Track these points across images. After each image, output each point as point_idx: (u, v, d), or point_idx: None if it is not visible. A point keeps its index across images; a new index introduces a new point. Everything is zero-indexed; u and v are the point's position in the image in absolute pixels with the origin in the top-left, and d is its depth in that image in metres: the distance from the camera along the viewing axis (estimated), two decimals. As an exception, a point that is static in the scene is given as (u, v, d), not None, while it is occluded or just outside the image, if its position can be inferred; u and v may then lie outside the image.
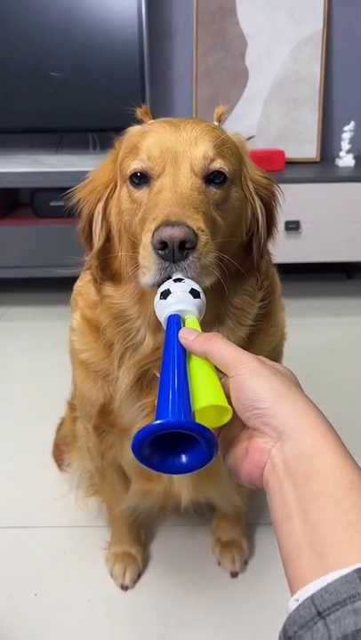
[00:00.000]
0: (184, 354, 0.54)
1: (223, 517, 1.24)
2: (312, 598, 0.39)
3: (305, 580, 0.41)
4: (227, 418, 0.50)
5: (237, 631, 1.08)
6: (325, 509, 0.43)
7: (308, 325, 2.12)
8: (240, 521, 1.25)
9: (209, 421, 0.50)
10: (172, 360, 0.53)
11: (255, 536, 1.29)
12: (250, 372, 0.50)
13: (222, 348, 0.52)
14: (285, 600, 0.43)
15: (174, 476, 0.94)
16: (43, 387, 1.75)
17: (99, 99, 2.35)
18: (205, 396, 0.50)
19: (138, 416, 0.87)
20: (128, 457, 0.99)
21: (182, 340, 0.55)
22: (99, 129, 2.42)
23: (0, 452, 1.55)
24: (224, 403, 0.49)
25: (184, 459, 0.49)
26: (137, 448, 0.46)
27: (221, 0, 2.41)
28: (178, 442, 0.48)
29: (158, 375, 0.79)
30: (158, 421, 0.45)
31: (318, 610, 0.38)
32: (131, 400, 0.86)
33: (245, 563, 1.22)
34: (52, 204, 2.24)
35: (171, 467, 0.49)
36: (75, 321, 0.93)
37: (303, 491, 0.44)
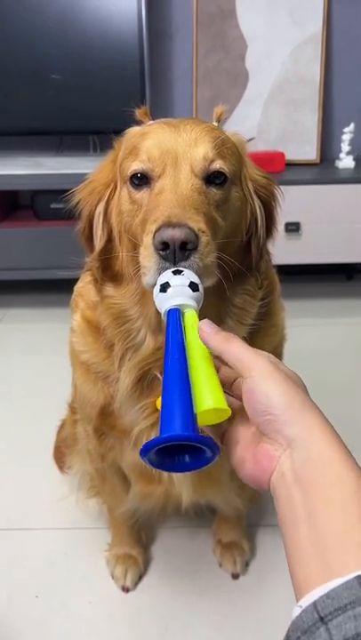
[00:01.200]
0: (185, 349, 0.55)
1: (224, 519, 1.24)
2: (314, 604, 0.40)
3: (309, 586, 0.41)
4: (226, 417, 0.53)
5: (238, 632, 1.08)
6: (331, 516, 0.43)
7: (308, 326, 2.12)
8: (241, 523, 1.25)
9: (209, 419, 0.53)
10: (174, 358, 0.54)
11: (256, 537, 1.28)
12: (263, 375, 0.51)
13: (239, 349, 0.53)
14: (287, 601, 0.43)
15: (175, 478, 0.94)
16: (43, 388, 1.75)
17: (99, 100, 2.36)
18: (207, 398, 0.52)
19: (138, 417, 0.87)
20: (128, 459, 0.99)
21: (200, 333, 0.56)
22: (99, 131, 2.42)
23: (1, 454, 1.55)
24: (224, 405, 0.51)
25: (188, 458, 0.51)
26: (145, 456, 0.49)
27: (221, 2, 2.41)
28: (182, 444, 0.50)
29: (159, 376, 0.80)
30: (165, 435, 0.47)
31: (320, 615, 0.39)
32: (131, 401, 0.85)
33: (246, 564, 1.22)
34: (53, 206, 2.24)
35: (174, 466, 0.52)
36: (75, 322, 0.93)
37: (310, 497, 0.45)
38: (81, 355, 0.90)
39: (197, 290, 0.61)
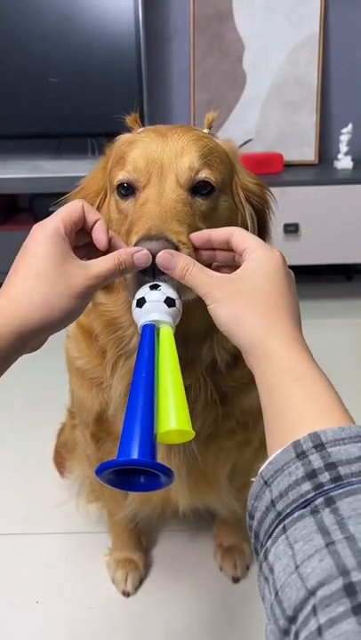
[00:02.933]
0: (153, 367, 0.56)
1: (224, 523, 1.24)
2: (260, 473, 0.47)
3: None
4: (189, 438, 0.54)
5: (239, 636, 1.08)
6: (277, 388, 0.51)
7: (307, 327, 2.09)
8: (241, 526, 1.25)
9: (172, 439, 0.54)
10: (141, 377, 0.55)
11: (256, 541, 1.28)
12: (218, 303, 0.58)
13: (197, 282, 0.59)
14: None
15: (170, 484, 0.94)
16: (43, 393, 1.75)
17: (97, 103, 2.36)
18: (171, 419, 0.53)
19: None
20: None
21: (198, 239, 0.64)
22: (97, 133, 2.41)
23: (0, 459, 1.55)
24: (188, 427, 0.52)
25: (143, 480, 0.53)
26: (100, 476, 0.51)
27: (218, 4, 2.41)
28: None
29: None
30: (123, 459, 0.49)
31: (265, 480, 0.46)
32: (125, 408, 0.85)
33: (247, 568, 1.22)
34: (52, 209, 2.23)
35: (130, 485, 0.53)
36: (70, 328, 0.93)
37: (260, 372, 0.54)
38: (76, 361, 0.90)
39: (174, 305, 0.61)
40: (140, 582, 1.19)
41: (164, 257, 0.60)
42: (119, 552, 1.21)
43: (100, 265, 0.60)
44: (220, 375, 0.83)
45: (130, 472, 0.52)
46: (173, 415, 0.53)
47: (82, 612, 1.13)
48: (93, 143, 2.49)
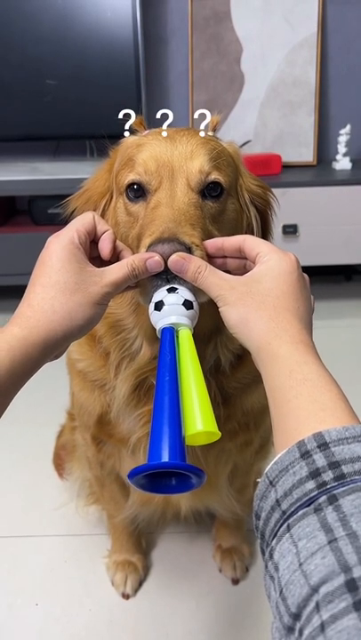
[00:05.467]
0: (176, 370, 0.57)
1: (223, 524, 1.24)
2: (266, 473, 0.47)
3: None
4: (215, 438, 0.54)
5: (239, 638, 1.08)
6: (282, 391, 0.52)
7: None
8: (241, 527, 1.25)
9: (198, 441, 0.54)
10: (164, 380, 0.55)
11: (256, 542, 1.28)
12: (228, 306, 0.59)
13: (209, 284, 0.60)
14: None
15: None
16: (43, 394, 1.74)
17: (95, 105, 2.35)
18: (197, 421, 0.53)
19: (135, 425, 0.87)
20: (126, 467, 0.99)
21: (211, 246, 0.65)
22: (95, 135, 2.42)
23: (0, 461, 1.55)
24: (214, 428, 0.53)
25: (174, 482, 0.53)
26: (133, 480, 0.51)
27: (216, 5, 2.42)
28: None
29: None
30: (154, 462, 0.49)
31: (270, 480, 0.46)
32: (128, 409, 0.85)
33: (247, 569, 1.22)
34: (50, 211, 2.24)
35: (161, 488, 0.53)
36: None
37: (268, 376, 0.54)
38: (77, 363, 0.90)
39: (192, 308, 0.61)
40: (140, 584, 1.19)
41: (176, 261, 0.61)
42: (118, 554, 1.21)
43: (115, 272, 0.61)
44: (224, 376, 0.84)
45: (161, 475, 0.52)
46: (199, 417, 0.53)
47: (81, 614, 1.13)
48: (92, 145, 2.49)
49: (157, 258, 0.61)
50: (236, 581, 1.19)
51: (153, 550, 1.27)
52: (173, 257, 0.60)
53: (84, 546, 1.28)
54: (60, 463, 1.42)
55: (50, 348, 0.57)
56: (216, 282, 0.60)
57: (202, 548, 1.27)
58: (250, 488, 1.15)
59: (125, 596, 1.16)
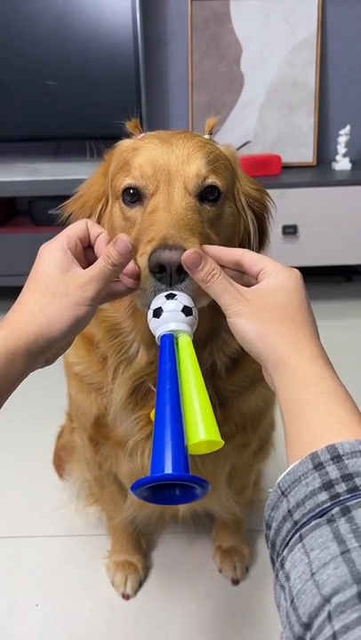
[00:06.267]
0: (177, 378, 0.56)
1: (223, 525, 1.24)
2: (278, 484, 0.47)
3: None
4: (218, 447, 0.54)
5: (239, 638, 1.08)
6: (297, 402, 0.52)
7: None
8: (240, 528, 1.25)
9: (201, 450, 0.54)
10: (165, 389, 0.55)
11: (257, 542, 1.28)
12: (243, 318, 0.58)
13: (222, 291, 0.59)
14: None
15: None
16: (42, 396, 1.74)
17: (95, 105, 2.36)
18: (200, 430, 0.52)
19: (133, 429, 0.87)
20: (123, 469, 0.99)
21: (213, 252, 0.63)
22: (96, 136, 2.41)
23: (0, 462, 1.55)
24: (216, 437, 0.52)
25: (178, 492, 0.52)
26: (136, 492, 0.50)
27: (215, 6, 2.42)
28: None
29: (153, 388, 0.79)
30: (157, 474, 0.49)
31: (282, 490, 0.47)
32: (126, 413, 0.85)
33: (247, 570, 1.22)
34: (50, 212, 2.24)
35: (165, 499, 0.53)
36: None
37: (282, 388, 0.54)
38: (74, 366, 0.90)
39: (191, 314, 0.61)
40: (140, 585, 1.19)
41: (192, 256, 0.59)
42: (118, 555, 1.21)
43: (93, 268, 0.61)
44: (220, 379, 0.84)
45: (164, 486, 0.52)
46: (202, 426, 0.52)
47: (81, 614, 1.13)
48: (92, 146, 2.49)
49: (121, 237, 0.61)
50: (236, 582, 1.19)
51: (153, 551, 1.27)
52: (190, 252, 0.59)
53: (83, 546, 1.28)
54: (59, 464, 1.42)
55: (34, 353, 0.56)
56: (230, 290, 0.59)
57: (202, 548, 1.27)
58: (249, 489, 1.15)
59: (125, 597, 1.16)
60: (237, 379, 0.85)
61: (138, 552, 1.22)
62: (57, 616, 1.13)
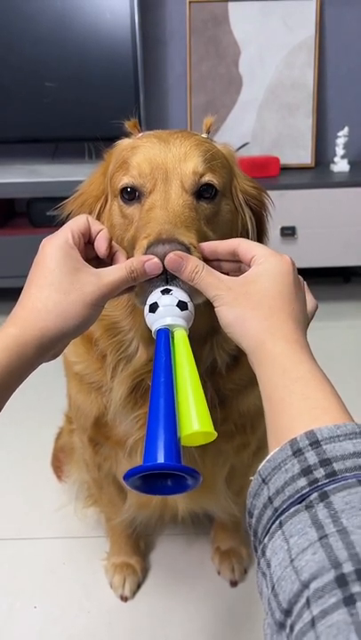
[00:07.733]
0: (171, 371, 0.57)
1: (222, 526, 1.24)
2: (259, 472, 0.47)
3: None
4: (212, 438, 0.54)
5: (238, 640, 1.08)
6: (277, 389, 0.52)
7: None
8: (239, 530, 1.25)
9: (195, 441, 0.54)
10: (160, 382, 0.55)
11: (255, 544, 1.28)
12: (225, 306, 0.59)
13: (206, 284, 0.60)
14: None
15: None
16: (41, 397, 1.74)
17: (94, 107, 2.36)
18: (193, 421, 0.53)
19: (132, 428, 0.87)
20: (122, 470, 0.99)
21: (207, 249, 0.65)
22: (94, 137, 2.41)
23: (-1, 463, 1.55)
24: (210, 428, 0.53)
25: (170, 483, 0.53)
26: (129, 481, 0.51)
27: (214, 8, 2.42)
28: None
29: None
30: (149, 463, 0.49)
31: (263, 478, 0.47)
32: (125, 412, 0.85)
33: (245, 571, 1.22)
34: (49, 213, 2.23)
35: (158, 489, 0.53)
36: None
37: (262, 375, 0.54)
38: (74, 365, 0.90)
39: (186, 308, 0.61)
40: (138, 586, 1.19)
41: (173, 259, 0.60)
42: (117, 556, 1.21)
43: (113, 274, 0.61)
44: (220, 377, 0.84)
45: (157, 477, 0.52)
46: (195, 417, 0.53)
47: (80, 616, 1.13)
48: (90, 147, 2.50)
49: (156, 260, 0.61)
50: (234, 584, 1.19)
51: (151, 552, 1.27)
52: (171, 255, 0.60)
53: (82, 548, 1.28)
54: (58, 465, 1.42)
55: (45, 348, 0.57)
56: (213, 282, 0.60)
57: (200, 550, 1.27)
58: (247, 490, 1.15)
59: (124, 599, 1.16)
60: (237, 377, 0.85)
61: (136, 554, 1.22)
62: (56, 617, 1.13)
